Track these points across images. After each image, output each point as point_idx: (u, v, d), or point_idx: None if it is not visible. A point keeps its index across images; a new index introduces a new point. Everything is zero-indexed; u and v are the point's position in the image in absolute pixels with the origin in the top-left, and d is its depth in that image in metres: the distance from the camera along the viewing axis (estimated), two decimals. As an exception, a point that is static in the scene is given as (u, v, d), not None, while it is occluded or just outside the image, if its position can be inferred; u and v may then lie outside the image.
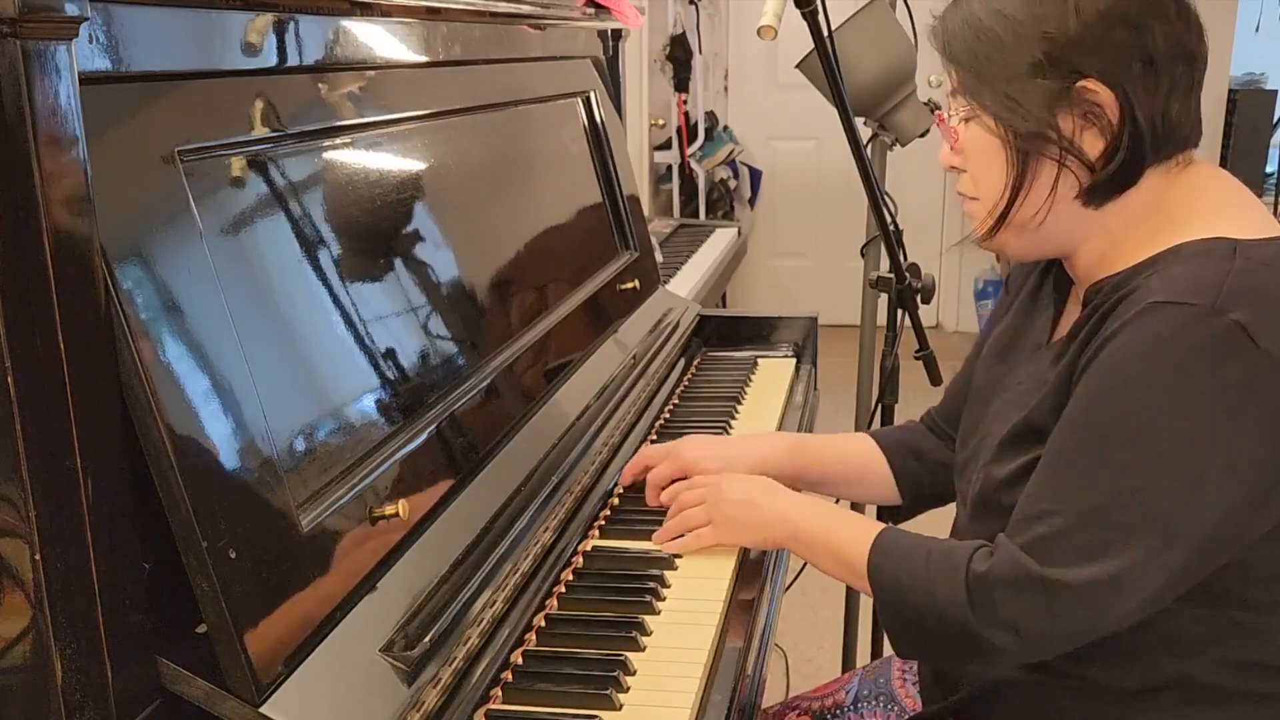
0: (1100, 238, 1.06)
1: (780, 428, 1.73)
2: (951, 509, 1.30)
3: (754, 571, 1.28)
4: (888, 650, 1.36)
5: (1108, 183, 1.03)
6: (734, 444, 1.45)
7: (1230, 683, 1.03)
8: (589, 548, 1.30)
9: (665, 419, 1.72)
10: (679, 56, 4.51)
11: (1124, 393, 0.96)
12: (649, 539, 1.31)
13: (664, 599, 1.19)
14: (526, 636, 1.11)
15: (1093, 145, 1.02)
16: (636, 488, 1.43)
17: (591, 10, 1.94)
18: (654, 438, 1.63)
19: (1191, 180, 1.05)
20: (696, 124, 4.70)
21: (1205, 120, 1.08)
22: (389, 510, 1.00)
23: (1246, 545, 0.98)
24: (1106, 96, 0.99)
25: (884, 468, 1.41)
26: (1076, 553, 0.96)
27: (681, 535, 1.28)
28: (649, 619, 1.14)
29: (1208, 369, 0.93)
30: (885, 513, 1.48)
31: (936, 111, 1.13)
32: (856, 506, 1.67)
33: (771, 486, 1.28)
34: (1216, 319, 0.93)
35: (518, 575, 1.13)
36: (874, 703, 1.33)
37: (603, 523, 1.36)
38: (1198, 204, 1.03)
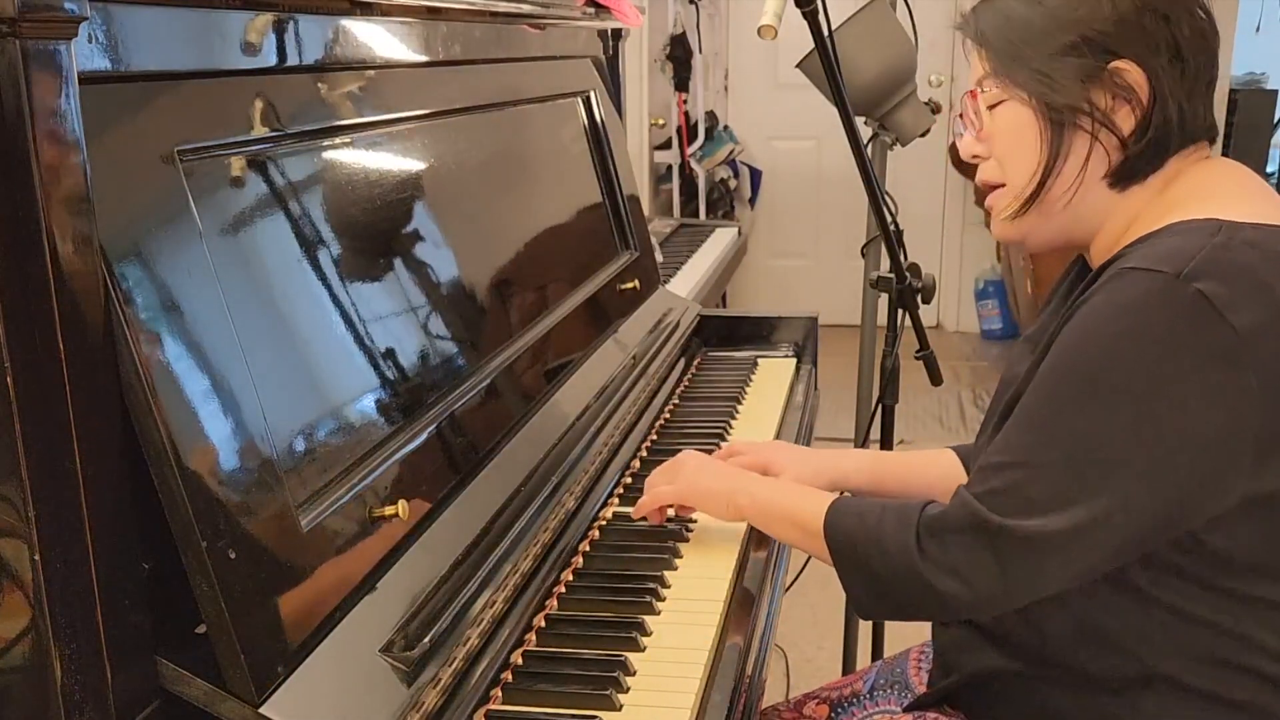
0: (1116, 222, 1.08)
1: (780, 428, 1.73)
2: None
3: (754, 571, 1.28)
4: (891, 648, 1.35)
5: (1137, 161, 1.05)
6: (819, 453, 1.46)
7: (1216, 686, 1.02)
8: (589, 548, 1.30)
9: (665, 419, 1.71)
10: (679, 56, 4.52)
11: (1082, 351, 0.98)
12: (650, 540, 1.31)
13: (664, 599, 1.19)
14: (526, 636, 1.11)
15: (1125, 121, 1.05)
16: (638, 486, 1.43)
17: (591, 10, 1.94)
18: (654, 438, 1.63)
19: (1207, 170, 1.08)
20: (696, 124, 4.71)
21: (1208, 120, 1.10)
22: (389, 510, 1.00)
23: (1215, 527, 0.98)
24: (1138, 77, 1.03)
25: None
26: (1027, 504, 0.98)
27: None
28: (649, 619, 1.14)
29: (1167, 334, 0.94)
30: None
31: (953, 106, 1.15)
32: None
33: (733, 467, 1.34)
34: (1181, 286, 0.94)
35: (518, 575, 1.13)
36: (888, 691, 1.34)
37: (603, 523, 1.36)
38: (1205, 189, 1.05)
